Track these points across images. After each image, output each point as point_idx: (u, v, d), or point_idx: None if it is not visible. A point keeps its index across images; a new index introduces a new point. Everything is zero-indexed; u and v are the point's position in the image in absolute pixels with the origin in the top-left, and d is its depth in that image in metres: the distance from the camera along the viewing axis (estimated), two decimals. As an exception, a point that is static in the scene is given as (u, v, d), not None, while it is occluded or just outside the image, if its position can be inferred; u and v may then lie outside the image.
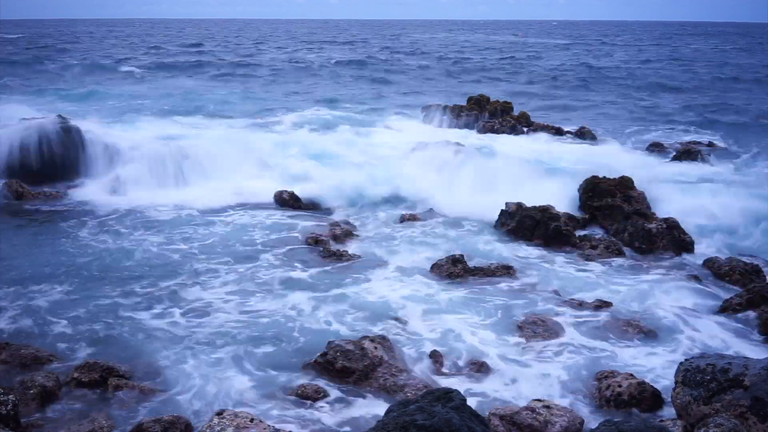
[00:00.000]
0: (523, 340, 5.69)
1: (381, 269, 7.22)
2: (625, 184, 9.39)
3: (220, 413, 3.95)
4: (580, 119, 18.31)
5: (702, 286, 6.89)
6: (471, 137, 14.65)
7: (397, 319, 6.04)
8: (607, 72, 32.23)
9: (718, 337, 5.73)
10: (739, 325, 5.91)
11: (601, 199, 9.21)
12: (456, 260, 7.17)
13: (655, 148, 14.48)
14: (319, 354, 5.24)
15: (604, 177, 9.55)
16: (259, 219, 9.05)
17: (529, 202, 8.64)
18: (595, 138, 15.44)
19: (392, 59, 39.97)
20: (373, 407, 4.66)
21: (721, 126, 17.39)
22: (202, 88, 24.17)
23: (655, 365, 5.26)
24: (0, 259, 7.26)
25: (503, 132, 15.64)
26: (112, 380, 4.83)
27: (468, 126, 16.73)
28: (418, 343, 5.57)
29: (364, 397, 4.83)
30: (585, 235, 8.40)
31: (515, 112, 17.35)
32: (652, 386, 4.75)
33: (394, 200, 10.13)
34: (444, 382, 4.96)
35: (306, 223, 8.85)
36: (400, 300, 6.46)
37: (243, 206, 9.64)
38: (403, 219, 9.12)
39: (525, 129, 16.13)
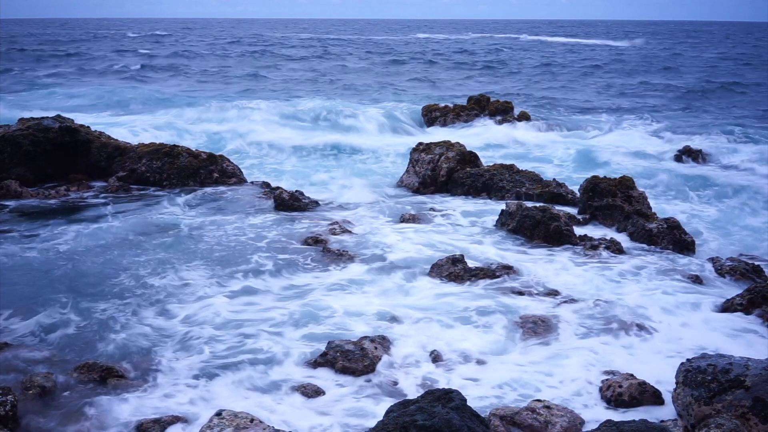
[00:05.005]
0: (523, 339, 5.67)
1: (380, 269, 7.21)
2: (625, 183, 9.41)
3: (219, 413, 3.95)
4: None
5: (703, 286, 6.88)
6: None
7: (397, 319, 6.02)
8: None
9: (720, 337, 5.71)
10: (741, 325, 5.89)
11: (601, 199, 9.21)
12: (456, 260, 7.16)
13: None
14: (319, 354, 5.24)
15: (605, 177, 9.58)
16: (257, 218, 9.03)
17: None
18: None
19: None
20: (373, 408, 4.65)
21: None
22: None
23: (656, 365, 5.24)
24: (-1, 258, 7.26)
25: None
26: (112, 380, 4.83)
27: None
28: (417, 343, 5.55)
29: (363, 397, 4.82)
30: (585, 235, 8.38)
31: (516, 111, 17.39)
32: (652, 386, 4.73)
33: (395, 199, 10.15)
34: (444, 382, 4.95)
35: (305, 222, 8.84)
36: (400, 300, 6.45)
37: (245, 214, 9.61)
38: (402, 219, 9.10)
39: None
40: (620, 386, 4.72)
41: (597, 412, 4.62)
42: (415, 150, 11.50)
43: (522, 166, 11.18)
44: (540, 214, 8.34)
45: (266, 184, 10.83)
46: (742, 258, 7.63)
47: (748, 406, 3.89)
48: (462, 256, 7.25)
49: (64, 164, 10.73)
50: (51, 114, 11.57)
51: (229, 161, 11.34)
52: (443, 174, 10.90)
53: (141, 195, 10.17)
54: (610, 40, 75.48)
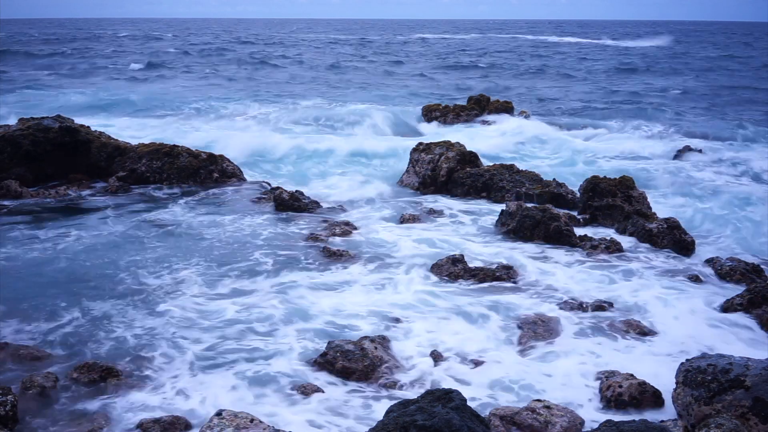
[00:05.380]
0: (523, 339, 5.67)
1: (381, 269, 7.21)
2: (625, 183, 9.41)
3: (219, 413, 3.94)
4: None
5: (703, 286, 6.88)
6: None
7: (396, 319, 6.03)
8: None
9: (720, 337, 5.71)
10: (741, 325, 5.89)
11: (601, 199, 9.21)
12: (456, 260, 7.16)
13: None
14: (319, 354, 5.24)
15: (605, 177, 9.58)
16: (257, 218, 9.02)
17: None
18: None
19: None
20: (373, 408, 4.65)
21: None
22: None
23: (656, 365, 5.24)
24: (-1, 258, 7.26)
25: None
26: (111, 380, 4.83)
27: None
28: (417, 344, 5.56)
29: (364, 397, 4.82)
30: (585, 235, 8.38)
31: (516, 111, 17.40)
32: (652, 386, 4.73)
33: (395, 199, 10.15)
34: (444, 382, 4.95)
35: (305, 222, 8.83)
36: (400, 300, 6.45)
37: (244, 213, 9.61)
38: (402, 219, 9.10)
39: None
40: (620, 386, 4.72)
41: (597, 412, 4.62)
42: (415, 150, 11.50)
43: (522, 165, 11.18)
44: (540, 214, 8.34)
45: (266, 184, 10.84)
46: (742, 258, 7.62)
47: (748, 406, 3.89)
48: (462, 256, 7.26)
49: (64, 164, 10.73)
50: (51, 114, 11.56)
51: (229, 161, 11.34)
52: (443, 174, 10.90)
53: (141, 195, 10.17)
54: (610, 39, 75.55)
